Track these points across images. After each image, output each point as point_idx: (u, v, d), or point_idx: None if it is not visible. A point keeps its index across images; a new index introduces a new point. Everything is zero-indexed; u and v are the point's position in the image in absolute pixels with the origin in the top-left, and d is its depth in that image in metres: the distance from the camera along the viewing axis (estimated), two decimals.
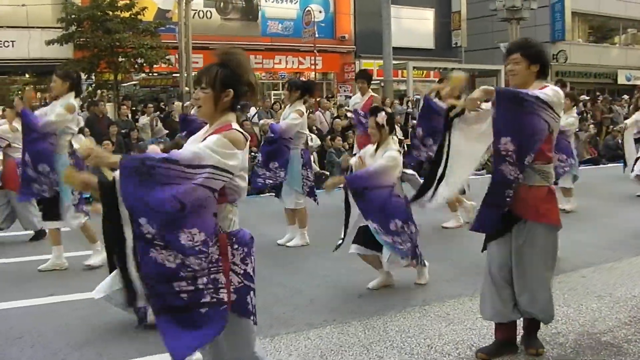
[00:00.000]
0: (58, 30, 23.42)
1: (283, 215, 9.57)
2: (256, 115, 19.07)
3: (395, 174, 6.72)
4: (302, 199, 9.35)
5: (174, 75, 28.33)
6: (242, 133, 3.49)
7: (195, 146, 3.37)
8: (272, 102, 21.07)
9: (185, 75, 24.55)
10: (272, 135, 9.11)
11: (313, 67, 31.39)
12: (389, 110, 10.14)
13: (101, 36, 22.45)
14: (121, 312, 6.46)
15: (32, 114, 7.98)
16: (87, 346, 5.59)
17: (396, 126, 11.03)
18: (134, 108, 20.38)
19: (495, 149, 4.69)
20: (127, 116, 18.58)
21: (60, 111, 7.90)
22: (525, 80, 4.88)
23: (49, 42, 22.80)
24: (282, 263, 8.31)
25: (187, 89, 23.96)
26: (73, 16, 22.91)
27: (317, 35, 30.48)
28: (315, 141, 9.45)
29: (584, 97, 28.50)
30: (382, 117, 6.77)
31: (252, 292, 3.61)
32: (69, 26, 23.07)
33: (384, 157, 6.68)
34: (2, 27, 25.99)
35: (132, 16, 23.31)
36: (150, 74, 26.27)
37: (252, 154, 13.16)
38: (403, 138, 16.78)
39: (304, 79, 10.05)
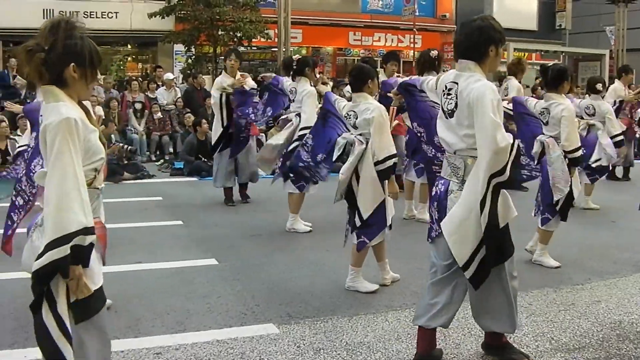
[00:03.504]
0: (160, 2, 23.90)
1: None
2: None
3: None
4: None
5: (272, 49, 28.48)
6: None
7: None
8: None
9: (284, 49, 24.64)
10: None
11: (412, 45, 31.08)
12: None
13: (202, 9, 22.76)
14: (203, 283, 6.58)
15: None
16: (167, 315, 5.70)
17: None
18: None
19: None
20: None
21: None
22: None
23: (151, 15, 23.28)
24: None
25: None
26: None
27: (417, 14, 30.14)
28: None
29: None
30: None
31: None
32: None
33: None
34: None
35: None
36: (249, 48, 26.49)
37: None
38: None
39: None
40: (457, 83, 4.39)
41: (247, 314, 5.76)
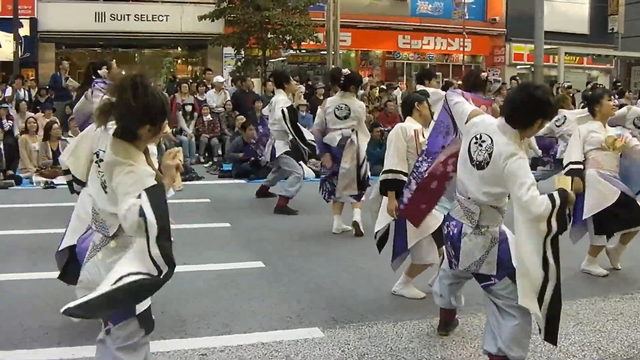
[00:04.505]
0: (210, 5, 24.10)
1: None
2: (399, 96, 18.95)
3: None
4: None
5: (321, 52, 28.54)
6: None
7: None
8: None
9: (333, 53, 24.69)
10: None
11: (462, 49, 30.89)
12: None
13: (251, 13, 22.91)
14: (250, 286, 6.62)
15: None
16: (213, 317, 5.74)
17: None
18: None
19: None
20: (273, 92, 18.82)
21: None
22: None
23: (201, 18, 23.53)
24: None
25: (333, 66, 24.08)
26: None
27: (467, 17, 29.93)
28: None
29: None
30: None
31: None
32: (220, 2, 23.71)
33: None
34: (157, 1, 26.98)
35: None
36: (298, 51, 26.56)
37: None
38: None
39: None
40: (491, 138, 4.30)
41: (292, 318, 5.79)
